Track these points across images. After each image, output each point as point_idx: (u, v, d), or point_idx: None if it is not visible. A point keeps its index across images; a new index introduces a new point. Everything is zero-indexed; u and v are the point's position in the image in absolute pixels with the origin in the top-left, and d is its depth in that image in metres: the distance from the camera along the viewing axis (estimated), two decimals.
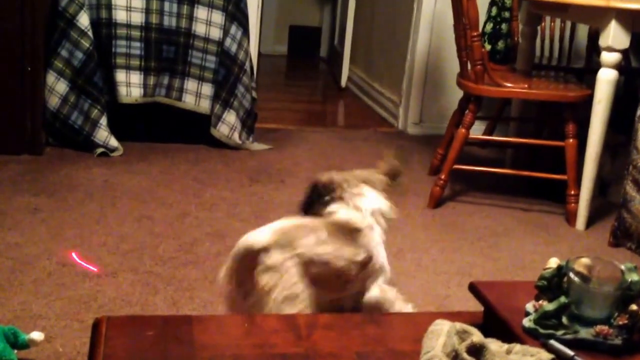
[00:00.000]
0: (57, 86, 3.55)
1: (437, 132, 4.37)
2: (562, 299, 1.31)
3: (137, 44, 3.65)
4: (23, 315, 2.12)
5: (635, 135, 2.95)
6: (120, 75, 3.66)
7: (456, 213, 3.30)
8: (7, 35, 3.35)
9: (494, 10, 4.10)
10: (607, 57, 3.06)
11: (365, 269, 1.86)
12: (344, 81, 5.92)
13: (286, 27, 7.38)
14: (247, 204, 3.16)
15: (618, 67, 3.08)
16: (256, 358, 1.31)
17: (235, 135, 3.84)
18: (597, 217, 3.31)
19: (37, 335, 1.86)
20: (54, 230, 2.71)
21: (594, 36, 4.14)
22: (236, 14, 3.71)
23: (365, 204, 1.93)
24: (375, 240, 1.90)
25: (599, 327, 1.29)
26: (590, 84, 3.21)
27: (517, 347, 1.19)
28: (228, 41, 3.72)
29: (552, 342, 1.28)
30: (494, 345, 1.18)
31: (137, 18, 3.62)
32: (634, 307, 1.27)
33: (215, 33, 3.71)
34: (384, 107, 5.02)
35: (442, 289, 2.53)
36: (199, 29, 3.69)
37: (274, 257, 1.70)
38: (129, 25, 3.62)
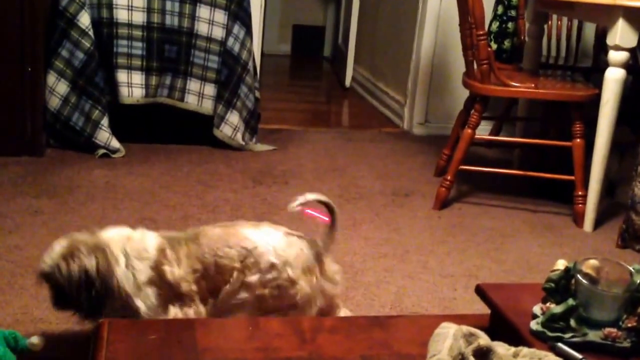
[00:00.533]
0: (58, 87, 3.54)
1: (442, 133, 4.38)
2: (570, 302, 1.32)
3: (139, 44, 3.63)
4: (24, 319, 2.10)
5: None
6: (122, 76, 3.64)
7: (462, 214, 3.28)
8: (7, 36, 3.34)
9: (500, 9, 4.09)
10: (615, 56, 3.04)
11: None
12: (348, 81, 5.93)
13: (290, 27, 7.39)
14: (251, 205, 3.14)
15: (626, 66, 3.06)
16: None
17: (239, 136, 3.83)
18: (604, 219, 3.29)
19: (38, 340, 1.83)
20: (55, 233, 2.65)
21: (601, 35, 4.12)
22: (239, 13, 3.70)
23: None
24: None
25: (607, 330, 1.29)
26: (598, 83, 3.19)
27: (524, 350, 1.19)
28: (231, 41, 3.70)
29: (560, 345, 1.28)
30: (501, 349, 1.18)
31: (139, 17, 3.61)
32: None
33: (218, 32, 3.69)
34: (388, 107, 5.00)
35: (449, 292, 2.51)
36: (202, 28, 3.68)
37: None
38: (130, 25, 3.60)
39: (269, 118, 4.42)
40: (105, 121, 3.58)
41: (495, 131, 4.29)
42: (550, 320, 1.31)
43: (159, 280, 1.78)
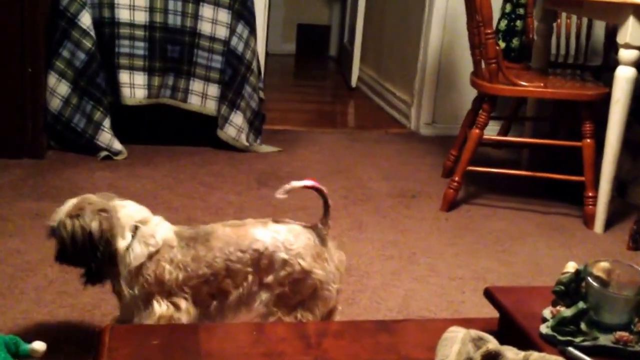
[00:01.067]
0: (59, 88, 3.53)
1: (450, 133, 4.38)
2: (581, 305, 1.31)
3: (141, 44, 3.62)
4: (25, 324, 2.09)
5: None
6: (124, 76, 3.63)
7: (470, 216, 3.26)
8: (7, 36, 3.34)
9: (509, 7, 4.08)
10: (625, 54, 3.02)
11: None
12: (354, 81, 5.93)
13: (294, 26, 7.39)
14: (255, 208, 3.13)
15: (636, 64, 3.04)
16: None
17: (243, 137, 3.81)
18: (615, 220, 3.27)
19: (39, 345, 1.82)
20: None
21: (611, 33, 4.09)
22: (243, 12, 3.68)
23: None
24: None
25: (618, 334, 1.28)
26: (608, 82, 3.18)
27: (534, 354, 1.17)
28: (234, 40, 3.68)
29: (571, 349, 1.27)
30: (510, 353, 1.17)
31: (141, 17, 3.59)
32: None
33: (222, 32, 3.68)
34: (395, 107, 4.99)
35: (457, 294, 2.50)
36: (205, 27, 3.66)
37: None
38: (132, 25, 3.59)
39: (274, 119, 4.41)
40: (107, 122, 3.57)
41: (504, 131, 4.26)
42: (561, 324, 1.30)
43: (152, 272, 1.78)
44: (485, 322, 1.47)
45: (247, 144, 3.84)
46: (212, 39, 3.67)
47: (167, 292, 1.79)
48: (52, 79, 3.51)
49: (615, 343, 1.28)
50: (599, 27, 4.47)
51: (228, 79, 3.71)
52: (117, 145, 3.59)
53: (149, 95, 3.69)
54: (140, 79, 3.65)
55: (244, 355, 1.34)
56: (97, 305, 2.21)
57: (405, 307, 2.35)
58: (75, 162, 3.49)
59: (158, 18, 3.61)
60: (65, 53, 3.51)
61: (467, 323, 1.30)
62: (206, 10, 3.64)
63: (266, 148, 3.92)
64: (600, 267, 1.35)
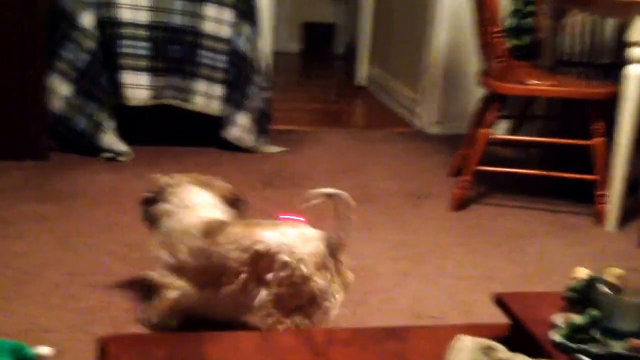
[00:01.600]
0: (61, 89, 3.53)
1: (457, 132, 4.37)
2: (593, 312, 1.30)
3: (144, 44, 3.61)
4: (30, 328, 2.07)
5: None
6: (127, 77, 3.62)
7: (480, 215, 3.25)
8: (7, 37, 3.33)
9: (518, 5, 4.08)
10: (635, 53, 3.01)
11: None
12: (360, 80, 5.90)
13: (299, 24, 7.37)
14: (261, 208, 3.10)
15: None
16: None
17: (248, 138, 3.82)
18: (627, 218, 3.24)
19: (45, 350, 1.82)
20: (60, 239, 2.68)
21: (621, 31, 4.06)
22: (246, 11, 3.69)
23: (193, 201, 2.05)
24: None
25: (633, 341, 1.27)
26: (618, 79, 3.14)
27: None
28: (238, 40, 3.68)
29: (583, 357, 1.26)
30: None
31: (143, 16, 3.58)
32: None
33: (225, 31, 3.68)
34: (402, 106, 4.99)
35: (467, 295, 2.48)
36: (208, 27, 3.66)
37: None
38: (134, 24, 3.58)
39: (279, 118, 4.40)
40: (110, 123, 3.57)
41: (513, 130, 4.24)
42: (573, 331, 1.29)
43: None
44: (494, 328, 1.44)
45: (252, 144, 3.84)
46: (216, 38, 3.67)
47: (179, 270, 1.98)
48: (54, 80, 3.51)
49: (629, 350, 1.26)
50: (609, 25, 4.45)
51: (232, 79, 3.71)
52: (120, 147, 3.59)
53: (152, 95, 3.68)
54: (143, 79, 3.64)
55: None
56: (105, 309, 2.20)
57: (415, 308, 2.34)
58: (78, 163, 3.49)
59: (161, 17, 3.60)
60: (67, 54, 3.51)
61: (476, 329, 1.29)
62: (209, 10, 3.64)
63: (272, 148, 3.92)
64: (613, 273, 1.34)
